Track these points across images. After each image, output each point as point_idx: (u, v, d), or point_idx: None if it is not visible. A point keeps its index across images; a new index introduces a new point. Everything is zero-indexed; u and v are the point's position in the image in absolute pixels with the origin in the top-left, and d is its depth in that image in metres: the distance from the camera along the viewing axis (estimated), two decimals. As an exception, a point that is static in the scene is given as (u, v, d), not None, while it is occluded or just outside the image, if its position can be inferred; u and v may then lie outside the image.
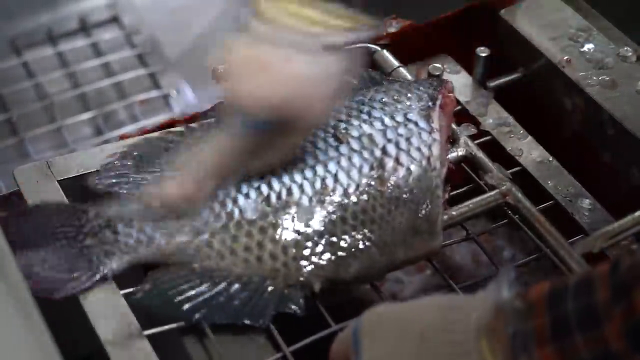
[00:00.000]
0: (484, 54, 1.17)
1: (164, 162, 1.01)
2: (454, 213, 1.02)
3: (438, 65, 1.18)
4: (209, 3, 1.78)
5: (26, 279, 0.84)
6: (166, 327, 0.91)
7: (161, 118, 1.51)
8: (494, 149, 1.12)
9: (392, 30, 1.22)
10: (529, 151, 1.12)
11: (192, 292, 0.92)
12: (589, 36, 1.18)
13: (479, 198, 1.03)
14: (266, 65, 0.92)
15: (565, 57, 1.16)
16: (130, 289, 0.93)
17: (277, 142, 0.96)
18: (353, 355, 0.80)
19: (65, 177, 1.03)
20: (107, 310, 0.91)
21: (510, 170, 1.08)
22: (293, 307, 0.92)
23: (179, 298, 0.91)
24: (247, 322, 0.91)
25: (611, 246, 1.00)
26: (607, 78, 1.14)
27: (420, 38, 1.23)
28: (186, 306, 0.91)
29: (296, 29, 0.92)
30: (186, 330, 0.92)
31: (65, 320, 0.87)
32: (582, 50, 1.17)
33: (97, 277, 0.93)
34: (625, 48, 1.17)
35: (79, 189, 1.02)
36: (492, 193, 1.04)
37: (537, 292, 0.75)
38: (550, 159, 1.11)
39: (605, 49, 1.17)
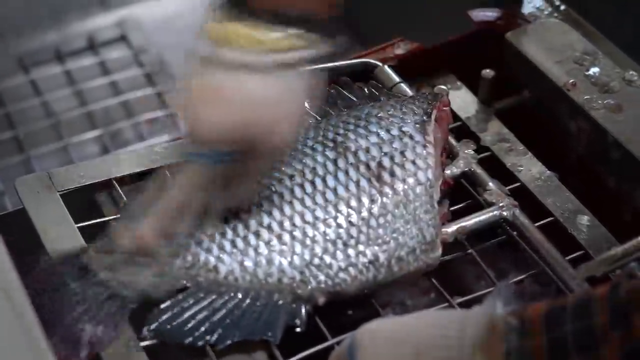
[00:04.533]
0: (489, 76, 1.17)
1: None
2: (452, 229, 1.01)
3: (443, 87, 1.18)
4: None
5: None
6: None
7: (167, 137, 1.51)
8: (494, 165, 1.12)
9: (399, 52, 1.22)
10: (529, 167, 1.11)
11: (203, 315, 0.91)
12: (594, 60, 1.18)
13: (477, 214, 1.03)
14: (218, 92, 0.88)
15: (571, 81, 1.16)
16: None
17: (246, 170, 0.93)
18: (349, 370, 0.80)
19: (67, 189, 1.03)
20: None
21: (509, 187, 1.08)
22: (298, 321, 0.92)
23: (191, 323, 0.91)
24: (259, 337, 0.91)
25: (615, 269, 0.99)
26: (612, 102, 1.13)
27: (427, 60, 1.23)
28: (200, 330, 0.90)
29: (248, 50, 0.88)
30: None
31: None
32: (587, 73, 1.17)
33: (128, 312, 0.91)
34: (631, 72, 1.16)
35: (80, 200, 1.03)
36: (490, 209, 1.04)
37: (534, 311, 0.75)
38: (549, 175, 1.11)
39: (610, 73, 1.16)
